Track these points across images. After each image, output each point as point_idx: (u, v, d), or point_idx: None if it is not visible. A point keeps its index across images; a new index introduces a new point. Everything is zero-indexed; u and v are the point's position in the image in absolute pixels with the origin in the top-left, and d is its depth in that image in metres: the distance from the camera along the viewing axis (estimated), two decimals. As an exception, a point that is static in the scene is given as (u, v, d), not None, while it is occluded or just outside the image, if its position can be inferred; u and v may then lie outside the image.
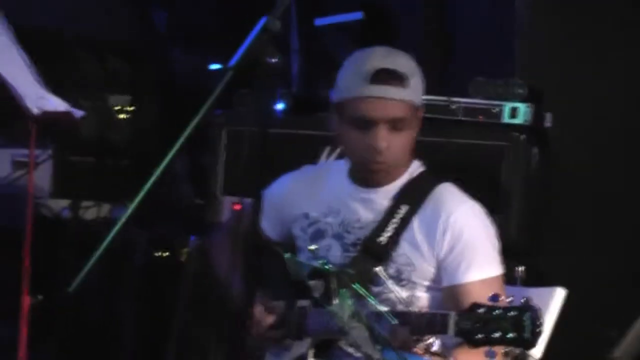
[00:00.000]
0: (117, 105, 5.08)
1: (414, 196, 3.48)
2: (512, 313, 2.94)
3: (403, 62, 3.44)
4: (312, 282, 3.29)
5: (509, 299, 2.98)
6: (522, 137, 4.11)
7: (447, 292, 3.43)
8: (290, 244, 3.65)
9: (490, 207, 3.55)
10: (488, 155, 4.09)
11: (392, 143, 3.42)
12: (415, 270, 3.44)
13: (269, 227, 3.65)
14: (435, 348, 3.14)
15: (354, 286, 3.14)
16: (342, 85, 3.48)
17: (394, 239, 3.44)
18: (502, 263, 3.48)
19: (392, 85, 3.40)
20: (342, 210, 3.54)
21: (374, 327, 3.11)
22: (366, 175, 3.51)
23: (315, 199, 3.60)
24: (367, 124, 3.41)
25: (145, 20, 5.68)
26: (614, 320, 4.12)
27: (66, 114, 3.83)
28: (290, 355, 3.46)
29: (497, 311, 2.95)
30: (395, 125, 3.41)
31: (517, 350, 2.97)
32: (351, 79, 3.44)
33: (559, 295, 3.55)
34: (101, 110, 5.03)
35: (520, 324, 2.93)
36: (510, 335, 2.93)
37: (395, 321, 3.12)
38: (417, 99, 3.45)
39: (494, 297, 2.98)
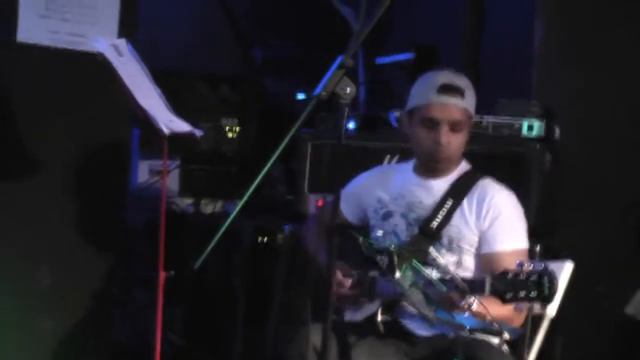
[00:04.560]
0: (227, 126, 5.07)
1: (464, 185, 3.53)
2: (534, 277, 2.95)
3: (461, 80, 3.51)
4: (379, 258, 3.32)
5: (532, 266, 2.98)
6: (538, 146, 4.08)
7: (485, 258, 3.46)
8: (366, 226, 3.67)
9: (515, 199, 3.55)
10: (512, 160, 4.06)
11: (451, 140, 3.48)
12: (463, 239, 3.48)
13: (350, 212, 3.70)
14: (474, 307, 3.13)
15: (413, 262, 3.15)
16: (415, 95, 3.54)
17: (445, 221, 3.47)
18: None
19: (452, 96, 3.46)
20: (407, 195, 3.58)
21: (428, 293, 3.14)
22: (430, 166, 3.54)
23: (386, 188, 3.64)
24: (433, 124, 3.47)
25: (247, 57, 5.70)
26: (613, 287, 4.09)
27: (190, 133, 3.82)
28: (364, 313, 3.48)
29: (522, 275, 2.96)
30: (454, 126, 3.48)
31: (539, 305, 2.97)
32: (423, 90, 3.51)
33: (568, 267, 3.54)
34: (215, 129, 5.03)
35: (540, 285, 2.94)
36: (533, 293, 2.94)
37: (444, 289, 3.11)
38: (470, 108, 3.52)
39: (520, 264, 2.99)
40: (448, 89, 3.47)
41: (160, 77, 3.86)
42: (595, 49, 4.51)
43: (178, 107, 3.86)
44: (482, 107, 4.15)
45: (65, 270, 4.40)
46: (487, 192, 3.50)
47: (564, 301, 3.49)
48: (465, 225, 3.48)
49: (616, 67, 4.47)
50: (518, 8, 5.09)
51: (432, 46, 5.07)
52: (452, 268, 3.40)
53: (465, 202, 3.50)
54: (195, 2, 5.82)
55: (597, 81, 4.48)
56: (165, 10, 5.58)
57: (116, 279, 4.56)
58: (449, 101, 3.47)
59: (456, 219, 3.48)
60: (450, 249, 3.48)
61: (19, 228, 4.32)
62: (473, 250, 3.49)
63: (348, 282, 3.48)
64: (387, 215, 3.60)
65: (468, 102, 3.50)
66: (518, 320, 3.39)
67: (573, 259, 3.54)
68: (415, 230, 3.50)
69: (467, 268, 3.48)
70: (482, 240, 3.46)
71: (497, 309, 3.14)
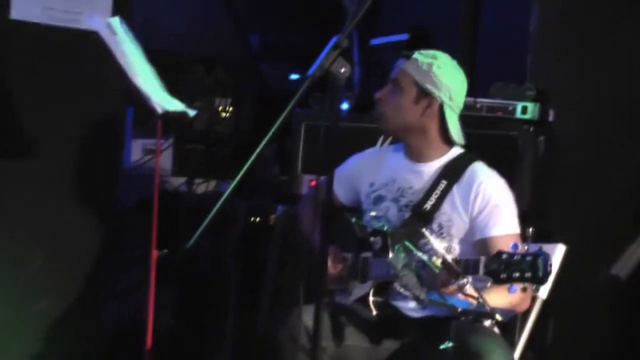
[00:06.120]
0: (220, 106, 5.04)
1: (455, 169, 3.48)
2: (528, 258, 2.91)
3: (426, 54, 3.51)
4: (372, 239, 3.29)
5: (527, 248, 2.95)
6: (531, 128, 4.04)
7: (478, 244, 3.41)
8: (358, 208, 3.63)
9: (507, 182, 3.52)
10: (505, 142, 4.03)
11: (386, 97, 3.52)
12: (453, 225, 3.44)
13: (343, 194, 3.65)
14: (467, 288, 3.08)
15: (405, 242, 3.12)
16: None
17: (438, 203, 3.43)
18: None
19: (404, 59, 3.51)
20: (398, 179, 3.54)
21: (421, 274, 3.10)
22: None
23: (379, 171, 3.60)
24: None
25: (243, 41, 5.67)
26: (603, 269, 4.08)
27: (183, 113, 3.80)
28: (355, 294, 3.45)
29: (516, 256, 2.93)
30: (394, 85, 3.50)
31: (533, 287, 2.94)
32: None
33: (560, 249, 3.52)
34: (209, 109, 5.00)
35: (535, 266, 2.90)
36: (527, 274, 2.90)
37: (437, 270, 3.08)
38: (414, 73, 3.48)
39: (514, 246, 2.96)
40: (406, 55, 3.52)
41: (157, 59, 3.82)
42: (589, 34, 4.47)
43: (172, 89, 3.82)
44: (478, 91, 4.14)
45: (58, 250, 4.37)
46: (475, 177, 3.45)
47: (557, 284, 3.46)
48: (454, 211, 3.44)
49: (610, 51, 4.43)
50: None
51: (428, 28, 5.03)
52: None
53: (455, 187, 3.45)
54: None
55: (591, 65, 4.45)
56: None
57: (109, 258, 4.53)
58: (399, 62, 3.53)
59: (446, 205, 3.44)
60: (440, 234, 3.44)
61: (11, 209, 4.28)
62: (461, 236, 3.44)
63: (341, 264, 3.45)
64: (378, 200, 3.56)
65: (412, 67, 3.48)
66: (524, 305, 3.38)
67: (569, 242, 3.51)
68: (407, 215, 3.46)
69: (456, 255, 3.41)
70: (473, 227, 3.42)
71: (503, 297, 3.13)
